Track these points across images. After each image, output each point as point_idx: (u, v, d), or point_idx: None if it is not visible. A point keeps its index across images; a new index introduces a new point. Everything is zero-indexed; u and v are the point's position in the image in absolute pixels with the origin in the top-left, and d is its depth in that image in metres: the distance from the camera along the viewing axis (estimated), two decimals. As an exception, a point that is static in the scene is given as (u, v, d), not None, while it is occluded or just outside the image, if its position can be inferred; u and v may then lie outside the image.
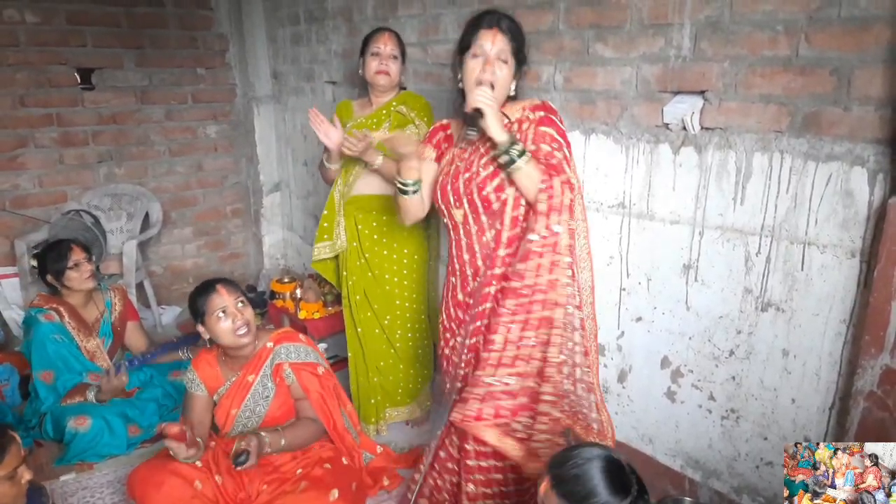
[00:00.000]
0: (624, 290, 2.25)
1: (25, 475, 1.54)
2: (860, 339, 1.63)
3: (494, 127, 1.67)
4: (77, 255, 2.80)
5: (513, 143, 1.67)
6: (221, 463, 2.12)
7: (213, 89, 4.30)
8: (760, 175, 1.80)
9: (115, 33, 3.85)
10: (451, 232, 1.92)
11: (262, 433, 2.08)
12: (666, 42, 1.92)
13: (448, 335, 1.99)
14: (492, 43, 1.73)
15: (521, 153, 1.67)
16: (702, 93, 1.88)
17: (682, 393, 2.15)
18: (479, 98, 1.67)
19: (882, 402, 1.60)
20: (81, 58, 3.78)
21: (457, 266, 1.92)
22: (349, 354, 2.76)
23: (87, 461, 2.57)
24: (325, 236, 2.67)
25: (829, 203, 1.67)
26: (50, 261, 2.81)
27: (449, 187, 1.85)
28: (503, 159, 1.69)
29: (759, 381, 1.92)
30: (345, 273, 2.67)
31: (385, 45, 2.45)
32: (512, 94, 1.82)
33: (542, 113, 1.78)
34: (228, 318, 2.10)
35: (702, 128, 1.90)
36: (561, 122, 1.82)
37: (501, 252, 1.79)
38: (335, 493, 2.03)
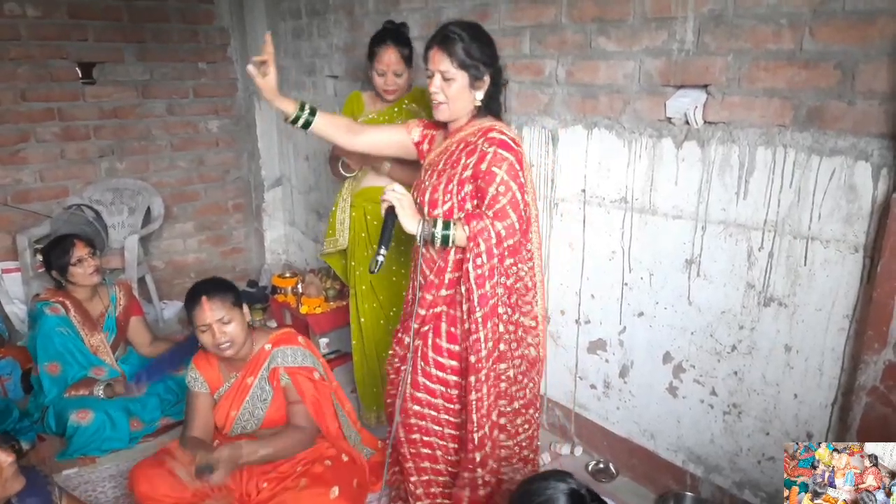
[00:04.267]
0: (626, 285, 2.24)
1: (4, 459, 1.45)
2: (863, 334, 1.63)
3: (407, 222, 1.71)
4: (80, 251, 2.80)
5: (433, 225, 1.70)
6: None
7: (215, 84, 4.29)
8: (764, 169, 1.79)
9: (116, 27, 3.84)
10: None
11: (241, 443, 2.02)
12: (669, 36, 1.91)
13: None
14: (433, 63, 1.71)
15: (446, 226, 1.69)
16: (705, 87, 1.87)
17: (683, 388, 2.14)
18: (387, 198, 1.72)
19: (885, 398, 1.60)
20: (82, 52, 3.78)
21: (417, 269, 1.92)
22: (353, 343, 2.78)
23: (89, 455, 2.57)
24: (330, 232, 2.76)
25: (832, 198, 1.66)
26: (54, 256, 2.81)
27: (415, 192, 1.87)
28: (437, 244, 1.72)
29: (762, 377, 1.92)
30: (353, 263, 2.70)
31: (388, 66, 2.45)
32: (478, 103, 1.76)
33: (495, 148, 1.69)
34: (209, 334, 2.08)
35: (705, 122, 1.89)
36: (518, 162, 1.71)
37: (449, 276, 1.78)
38: (335, 491, 2.02)
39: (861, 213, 1.62)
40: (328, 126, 1.89)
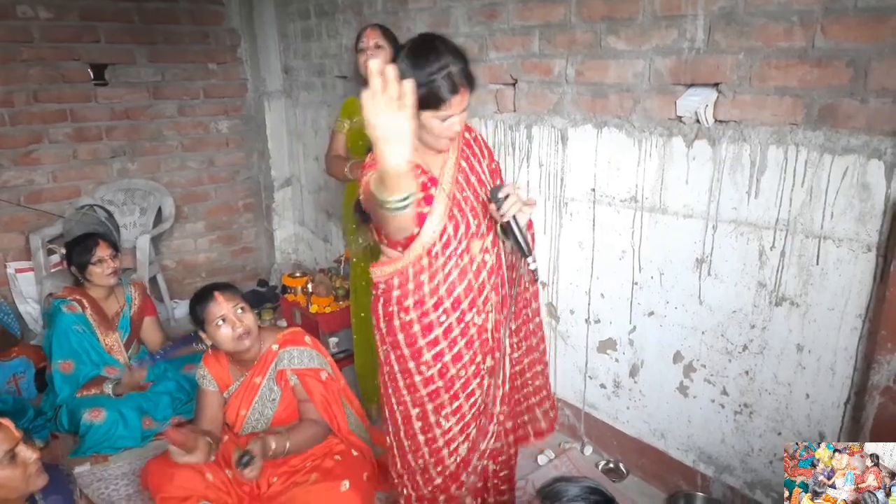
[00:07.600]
0: (636, 284, 2.24)
1: (30, 455, 1.45)
2: (876, 333, 1.62)
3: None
4: (102, 252, 2.84)
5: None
6: (232, 456, 2.13)
7: (225, 84, 4.31)
8: (775, 168, 1.78)
9: (127, 29, 3.87)
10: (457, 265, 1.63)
11: (269, 437, 2.04)
12: (679, 34, 1.91)
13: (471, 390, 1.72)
14: (463, 103, 1.49)
15: None
16: (715, 85, 1.86)
17: (694, 388, 2.14)
18: (513, 209, 1.51)
19: (898, 398, 1.59)
20: (94, 53, 3.81)
21: (463, 305, 1.66)
22: (354, 337, 2.79)
23: (101, 453, 2.59)
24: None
25: (844, 196, 1.65)
26: (76, 253, 2.85)
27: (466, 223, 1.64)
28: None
29: (773, 376, 1.91)
30: (354, 259, 2.72)
31: (369, 39, 2.45)
32: None
33: (490, 148, 1.78)
34: (228, 325, 2.09)
35: (715, 121, 1.88)
36: None
37: (513, 291, 1.75)
38: (346, 484, 2.04)
39: (874, 212, 1.61)
40: None
